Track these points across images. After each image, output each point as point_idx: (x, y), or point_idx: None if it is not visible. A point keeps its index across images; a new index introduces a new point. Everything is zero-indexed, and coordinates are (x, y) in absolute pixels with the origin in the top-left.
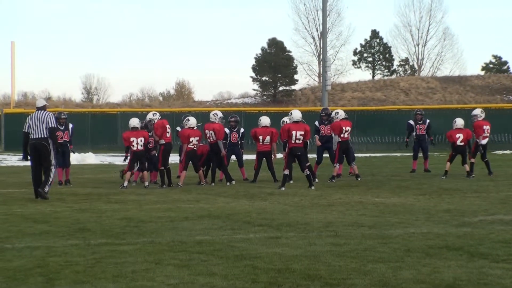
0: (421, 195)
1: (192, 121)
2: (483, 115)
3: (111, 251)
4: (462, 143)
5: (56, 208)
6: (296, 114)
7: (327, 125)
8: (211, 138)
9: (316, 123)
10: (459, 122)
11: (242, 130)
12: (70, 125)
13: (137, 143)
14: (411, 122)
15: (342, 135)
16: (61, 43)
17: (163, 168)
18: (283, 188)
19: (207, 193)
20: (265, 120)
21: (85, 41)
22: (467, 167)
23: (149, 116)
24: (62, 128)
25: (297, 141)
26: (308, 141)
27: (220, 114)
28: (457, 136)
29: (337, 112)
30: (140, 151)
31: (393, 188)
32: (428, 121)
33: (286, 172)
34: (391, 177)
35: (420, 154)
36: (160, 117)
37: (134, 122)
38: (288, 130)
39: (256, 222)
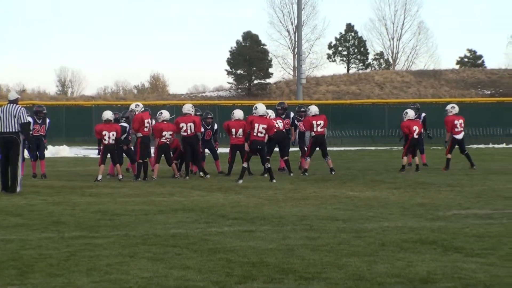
0: (395, 189)
1: (165, 115)
2: (454, 110)
3: (85, 244)
4: (417, 136)
5: (30, 201)
6: (261, 108)
7: (285, 119)
8: (188, 131)
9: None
10: (411, 113)
11: (216, 126)
12: (48, 120)
13: (109, 137)
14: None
15: (315, 130)
16: (36, 35)
17: (141, 161)
18: (240, 181)
19: (182, 187)
20: (238, 113)
21: (60, 33)
22: (417, 160)
23: (132, 106)
24: (40, 122)
25: (259, 134)
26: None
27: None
28: (414, 128)
29: (309, 109)
30: (111, 145)
31: (368, 182)
32: (423, 114)
33: (245, 165)
34: (365, 171)
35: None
36: (142, 109)
37: (108, 115)
38: (251, 122)
39: (230, 216)
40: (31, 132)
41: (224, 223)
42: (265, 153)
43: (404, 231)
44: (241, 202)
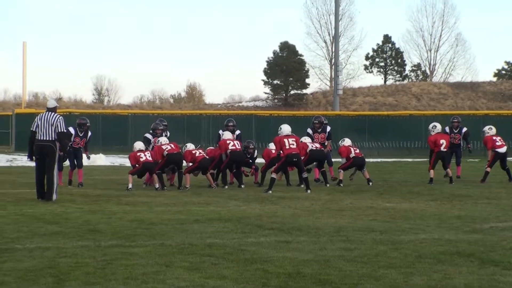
0: (432, 200)
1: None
2: (491, 132)
3: (121, 253)
4: (445, 149)
5: (67, 209)
6: (286, 128)
7: (321, 133)
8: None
9: (309, 130)
10: (439, 127)
11: (255, 154)
12: (89, 133)
13: (145, 155)
14: (447, 129)
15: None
16: (73, 43)
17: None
18: (270, 192)
19: (218, 196)
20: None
21: (97, 42)
22: (449, 172)
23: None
24: (81, 135)
25: (291, 146)
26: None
27: None
28: (441, 142)
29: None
30: (148, 162)
31: (405, 193)
32: (464, 129)
33: (274, 175)
34: (402, 183)
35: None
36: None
37: (139, 145)
38: (279, 141)
39: (266, 226)
40: (70, 143)
41: (260, 233)
42: (301, 164)
43: (441, 243)
44: (278, 213)
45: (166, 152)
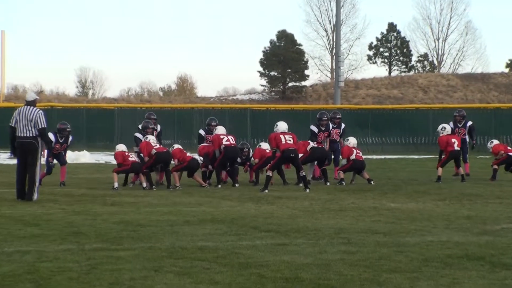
0: (440, 200)
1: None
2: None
3: (107, 256)
4: (458, 148)
5: (48, 209)
6: (282, 125)
7: (336, 128)
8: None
9: (314, 128)
10: (449, 128)
11: (251, 154)
12: (70, 138)
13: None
14: (451, 124)
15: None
16: (55, 32)
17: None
18: (266, 191)
19: (210, 196)
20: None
21: (80, 31)
22: (461, 170)
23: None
24: (62, 141)
25: (288, 142)
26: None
27: None
28: (453, 141)
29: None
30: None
31: (410, 192)
32: (469, 123)
33: (270, 173)
34: (408, 181)
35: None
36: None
37: (121, 148)
38: (275, 137)
39: (262, 228)
40: (51, 151)
41: (256, 235)
42: (299, 161)
43: (449, 246)
44: (274, 213)
45: (155, 151)
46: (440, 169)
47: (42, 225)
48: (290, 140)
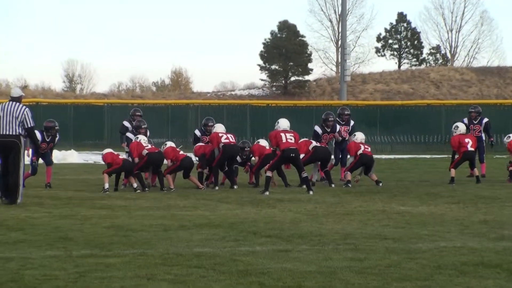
0: (453, 203)
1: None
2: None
3: (96, 263)
4: (472, 148)
5: (33, 213)
6: (283, 123)
7: (344, 125)
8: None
9: (318, 128)
10: (462, 127)
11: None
12: (57, 137)
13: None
14: (465, 121)
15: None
16: (40, 23)
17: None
18: (266, 193)
19: (207, 199)
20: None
21: (68, 21)
22: (476, 171)
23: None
24: (48, 140)
25: (289, 141)
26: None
27: None
28: (466, 141)
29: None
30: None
31: (422, 195)
32: (485, 120)
33: (269, 174)
34: (419, 183)
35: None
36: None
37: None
38: (275, 135)
39: (263, 233)
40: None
41: (256, 241)
42: (300, 162)
43: (463, 252)
44: (276, 217)
45: (146, 151)
46: (453, 170)
47: (26, 229)
48: (291, 139)
